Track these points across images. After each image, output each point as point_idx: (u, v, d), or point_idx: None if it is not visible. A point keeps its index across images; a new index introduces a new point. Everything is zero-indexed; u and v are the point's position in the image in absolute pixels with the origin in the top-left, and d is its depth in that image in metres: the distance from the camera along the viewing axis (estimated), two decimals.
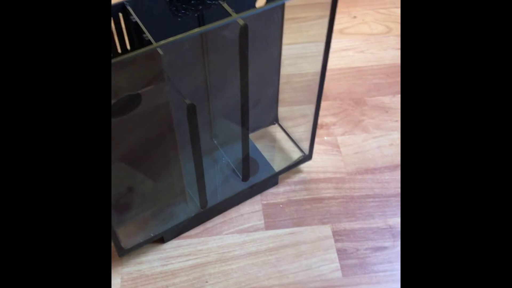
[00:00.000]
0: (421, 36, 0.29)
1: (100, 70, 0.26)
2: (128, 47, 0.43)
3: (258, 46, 0.52)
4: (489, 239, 0.27)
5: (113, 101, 0.38)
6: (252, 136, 0.61)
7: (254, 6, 0.49)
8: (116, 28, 0.41)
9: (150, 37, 0.37)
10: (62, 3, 0.25)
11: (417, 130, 0.29)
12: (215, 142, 0.59)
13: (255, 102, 0.58)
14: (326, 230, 0.54)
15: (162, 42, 0.35)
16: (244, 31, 0.39)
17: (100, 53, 0.26)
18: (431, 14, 0.29)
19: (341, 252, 0.52)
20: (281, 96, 0.61)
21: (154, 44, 0.35)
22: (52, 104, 0.25)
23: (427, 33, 0.29)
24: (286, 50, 0.57)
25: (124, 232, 0.50)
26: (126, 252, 0.49)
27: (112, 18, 0.41)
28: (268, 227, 0.54)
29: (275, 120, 0.63)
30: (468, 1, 0.28)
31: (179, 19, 0.40)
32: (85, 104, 0.26)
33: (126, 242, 0.49)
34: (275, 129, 0.63)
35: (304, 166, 0.60)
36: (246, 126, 0.49)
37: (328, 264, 0.51)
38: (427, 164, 0.29)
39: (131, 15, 0.40)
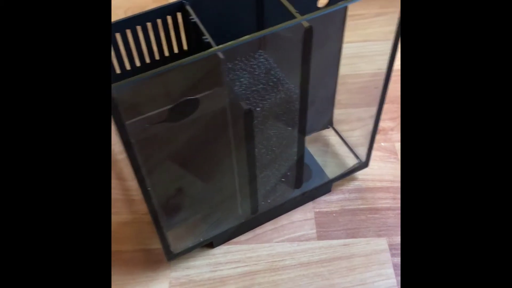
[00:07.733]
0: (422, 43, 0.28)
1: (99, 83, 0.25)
2: (186, 47, 0.41)
3: (317, 45, 0.49)
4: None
5: (170, 106, 0.36)
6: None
7: (315, 5, 0.47)
8: (174, 28, 0.40)
9: (210, 40, 0.35)
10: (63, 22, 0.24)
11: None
12: None
13: (310, 104, 0.55)
14: (382, 243, 0.51)
15: (222, 46, 0.33)
16: (308, 34, 0.37)
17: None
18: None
19: (398, 268, 0.49)
20: (336, 98, 0.58)
21: (214, 47, 0.33)
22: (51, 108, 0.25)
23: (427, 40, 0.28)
24: (343, 49, 0.53)
25: (173, 236, 0.49)
26: (175, 257, 0.48)
27: (170, 17, 0.39)
28: (320, 237, 0.52)
29: (329, 123, 0.60)
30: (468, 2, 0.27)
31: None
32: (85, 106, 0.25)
33: (175, 246, 0.48)
34: (329, 133, 0.60)
35: (359, 173, 0.57)
36: (302, 130, 0.47)
37: (384, 279, 0.48)
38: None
39: (190, 15, 0.38)
